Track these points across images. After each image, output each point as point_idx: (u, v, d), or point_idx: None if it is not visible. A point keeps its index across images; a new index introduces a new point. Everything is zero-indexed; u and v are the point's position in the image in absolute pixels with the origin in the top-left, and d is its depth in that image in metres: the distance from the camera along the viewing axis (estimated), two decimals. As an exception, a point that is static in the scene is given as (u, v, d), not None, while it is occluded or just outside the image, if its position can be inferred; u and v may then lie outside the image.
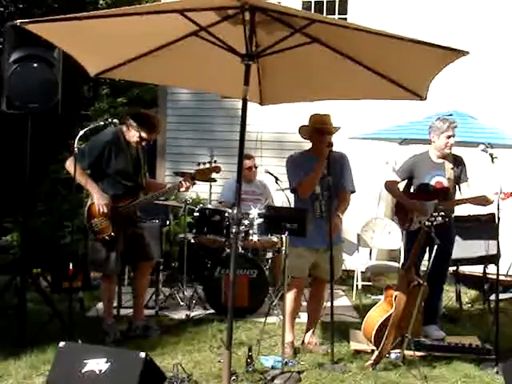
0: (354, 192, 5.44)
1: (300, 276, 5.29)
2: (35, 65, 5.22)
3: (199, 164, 5.47)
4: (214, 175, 6.97)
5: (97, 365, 3.98)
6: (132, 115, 5.45)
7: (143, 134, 5.38)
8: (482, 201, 5.63)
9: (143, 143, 5.49)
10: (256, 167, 7.37)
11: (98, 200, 5.31)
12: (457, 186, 5.90)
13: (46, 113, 5.41)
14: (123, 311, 6.17)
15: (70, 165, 5.30)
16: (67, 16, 3.94)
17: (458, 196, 5.93)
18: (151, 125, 5.44)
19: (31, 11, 12.28)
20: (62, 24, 4.02)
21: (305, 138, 5.39)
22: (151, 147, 5.97)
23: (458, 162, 5.88)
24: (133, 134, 5.40)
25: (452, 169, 5.81)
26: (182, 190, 5.54)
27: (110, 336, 5.37)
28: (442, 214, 5.03)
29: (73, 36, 4.21)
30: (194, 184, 5.66)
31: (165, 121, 10.23)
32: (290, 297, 5.24)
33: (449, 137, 5.71)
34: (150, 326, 5.70)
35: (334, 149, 5.18)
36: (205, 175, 5.77)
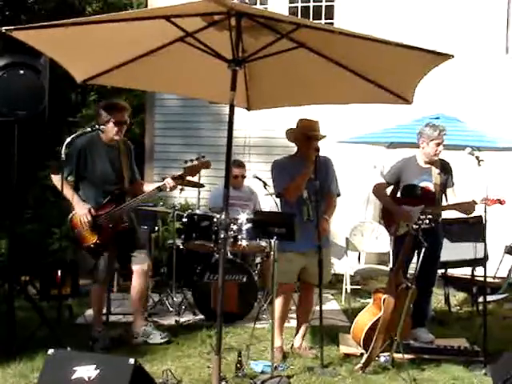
0: (339, 195, 5.46)
1: (288, 282, 5.30)
2: (22, 72, 5.19)
3: (186, 162, 5.34)
4: (202, 181, 6.98)
5: (86, 371, 3.95)
6: (101, 108, 5.43)
7: (115, 118, 5.32)
8: (467, 208, 5.66)
9: (123, 128, 5.39)
10: (244, 177, 7.35)
11: (78, 211, 5.31)
12: (443, 192, 5.92)
13: (33, 119, 5.39)
14: (112, 318, 6.14)
15: (54, 179, 5.37)
16: (53, 23, 3.94)
17: (443, 202, 5.96)
18: (116, 104, 5.44)
19: (18, 18, 12.24)
20: (49, 31, 4.02)
21: (291, 141, 5.40)
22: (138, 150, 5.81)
23: (445, 167, 5.91)
24: (111, 127, 5.34)
25: (439, 174, 5.84)
26: (167, 190, 5.42)
27: (99, 343, 5.35)
28: (430, 217, 5.06)
29: (59, 43, 4.21)
30: (182, 182, 5.53)
31: (153, 126, 10.26)
32: (278, 302, 5.24)
33: (438, 144, 5.74)
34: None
35: (321, 153, 5.20)
36: (194, 171, 5.61)
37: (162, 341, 5.47)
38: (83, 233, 5.34)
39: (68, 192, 5.34)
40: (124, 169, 5.50)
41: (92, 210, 5.32)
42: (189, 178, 5.62)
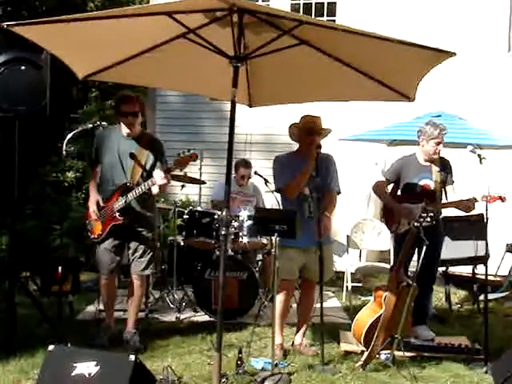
0: (339, 193, 5.44)
1: (290, 278, 5.29)
2: (23, 67, 5.18)
3: (179, 154, 5.22)
4: (203, 177, 6.98)
5: (86, 368, 3.96)
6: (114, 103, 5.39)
7: (123, 109, 5.27)
8: (468, 205, 5.64)
9: (133, 119, 5.27)
10: (249, 177, 7.36)
11: (90, 199, 5.40)
12: (443, 189, 5.91)
13: (34, 115, 5.38)
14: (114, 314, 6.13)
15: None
16: (55, 18, 3.93)
17: (443, 199, 5.95)
18: (123, 97, 5.37)
19: (19, 14, 12.23)
20: (50, 26, 4.01)
21: (292, 139, 5.39)
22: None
23: (444, 165, 5.90)
24: (122, 120, 5.31)
25: (439, 172, 5.83)
26: (157, 184, 5.14)
27: (97, 340, 5.30)
28: (431, 215, 5.05)
29: (60, 38, 4.19)
30: (176, 176, 5.33)
31: (154, 123, 10.24)
32: (279, 299, 5.22)
33: (438, 143, 5.72)
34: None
35: (322, 150, 5.19)
36: (181, 164, 5.24)
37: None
38: (92, 223, 5.37)
39: (91, 182, 5.50)
40: (137, 164, 5.35)
41: (100, 201, 5.35)
42: (177, 171, 5.45)
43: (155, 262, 5.68)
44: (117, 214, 5.27)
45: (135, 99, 5.35)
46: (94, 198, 5.39)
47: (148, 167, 5.39)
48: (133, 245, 5.41)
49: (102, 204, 5.35)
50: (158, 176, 5.10)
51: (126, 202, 5.23)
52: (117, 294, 5.97)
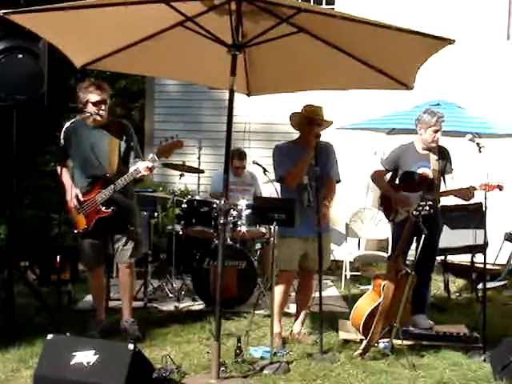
0: (339, 181, 5.43)
1: (290, 269, 5.29)
2: (20, 56, 5.15)
3: (161, 142, 5.15)
4: (202, 166, 6.96)
5: (85, 357, 3.97)
6: (78, 91, 5.24)
7: (91, 98, 5.10)
8: (466, 193, 5.63)
9: (102, 108, 5.13)
10: (244, 168, 7.34)
11: (67, 196, 5.26)
12: (441, 178, 5.91)
13: (31, 105, 5.35)
14: (112, 303, 6.14)
15: (60, 173, 5.26)
16: (52, 6, 3.91)
17: (442, 187, 5.94)
18: (90, 85, 5.17)
19: (17, 1, 12.18)
20: (47, 14, 4.00)
21: (293, 127, 5.36)
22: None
23: (443, 153, 5.88)
24: (89, 109, 5.13)
25: (437, 160, 5.81)
26: (142, 173, 5.09)
27: (88, 332, 5.22)
28: (430, 203, 5.05)
29: (58, 27, 4.18)
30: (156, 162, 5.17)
31: (152, 112, 10.24)
32: (278, 290, 5.22)
33: (436, 131, 5.70)
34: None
35: (321, 138, 5.18)
36: (166, 152, 5.24)
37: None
38: (75, 218, 5.27)
39: (64, 177, 5.29)
40: (111, 153, 5.23)
41: (80, 196, 5.20)
42: (163, 158, 5.36)
43: (140, 247, 5.58)
44: (102, 207, 5.16)
45: (102, 86, 5.17)
46: (73, 192, 5.21)
47: (122, 154, 5.28)
48: (115, 235, 5.34)
49: (81, 198, 5.20)
50: (144, 167, 5.05)
51: (110, 193, 5.13)
52: (109, 284, 5.99)
